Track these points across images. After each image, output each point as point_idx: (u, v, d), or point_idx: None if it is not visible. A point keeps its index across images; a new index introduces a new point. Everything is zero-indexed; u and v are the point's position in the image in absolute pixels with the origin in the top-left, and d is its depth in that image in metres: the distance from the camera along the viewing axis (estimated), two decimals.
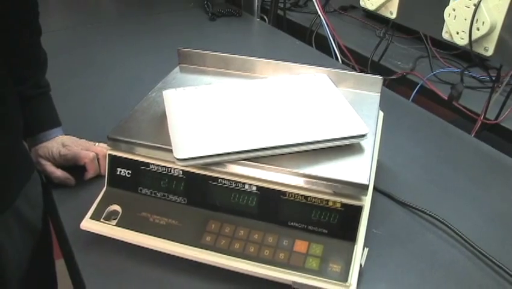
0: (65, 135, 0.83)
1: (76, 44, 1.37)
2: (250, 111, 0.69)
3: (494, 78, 1.01)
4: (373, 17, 1.58)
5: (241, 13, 1.64)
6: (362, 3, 1.09)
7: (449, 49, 1.30)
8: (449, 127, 1.00)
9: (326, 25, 1.25)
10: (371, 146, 0.65)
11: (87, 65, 1.24)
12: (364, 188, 0.59)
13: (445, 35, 0.92)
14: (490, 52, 0.86)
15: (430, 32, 0.98)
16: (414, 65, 1.28)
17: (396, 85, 1.25)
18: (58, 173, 0.78)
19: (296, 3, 1.76)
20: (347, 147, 0.64)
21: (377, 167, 0.76)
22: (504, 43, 0.83)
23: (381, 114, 0.79)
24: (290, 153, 0.62)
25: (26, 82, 0.76)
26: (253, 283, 0.61)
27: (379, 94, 0.78)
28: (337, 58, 1.29)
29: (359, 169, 0.61)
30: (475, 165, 0.90)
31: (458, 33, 0.88)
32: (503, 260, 0.67)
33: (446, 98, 1.07)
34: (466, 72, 1.21)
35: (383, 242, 0.70)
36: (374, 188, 0.77)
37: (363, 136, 0.64)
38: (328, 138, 0.63)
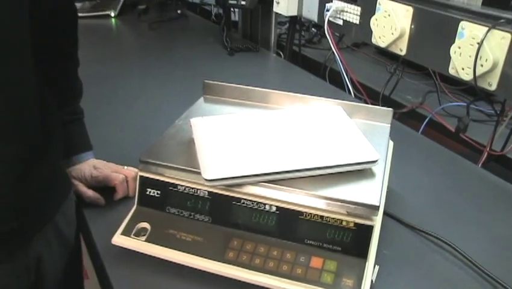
0: (96, 159, 0.90)
1: (101, 76, 1.45)
2: (271, 138, 0.75)
3: (499, 112, 1.06)
4: (384, 53, 1.65)
5: (259, 48, 1.72)
6: (374, 41, 1.16)
7: (456, 84, 1.36)
8: (456, 158, 1.06)
9: (339, 61, 1.32)
10: (381, 171, 0.70)
11: (111, 96, 1.32)
12: (375, 208, 0.64)
13: (451, 71, 0.98)
14: (493, 87, 0.92)
15: (438, 68, 1.04)
16: (423, 100, 1.34)
17: (406, 118, 1.31)
18: (90, 193, 0.84)
19: (311, 40, 1.84)
20: (359, 172, 0.70)
21: (387, 192, 0.81)
22: (507, 78, 0.89)
23: (391, 143, 0.85)
24: (308, 176, 0.68)
25: (63, 109, 0.83)
26: None
27: (389, 125, 0.84)
28: (349, 92, 1.35)
29: (370, 192, 0.66)
30: (482, 194, 0.94)
31: (463, 69, 0.94)
32: (509, 281, 0.71)
33: (454, 130, 1.12)
34: (472, 106, 1.26)
35: (393, 262, 0.75)
36: (384, 212, 0.82)
37: (374, 162, 0.70)
38: (342, 164, 0.69)
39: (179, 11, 2.16)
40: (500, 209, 0.90)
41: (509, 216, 0.88)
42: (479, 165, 1.06)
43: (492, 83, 0.92)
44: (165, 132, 0.79)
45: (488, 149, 1.05)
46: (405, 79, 1.45)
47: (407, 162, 1.02)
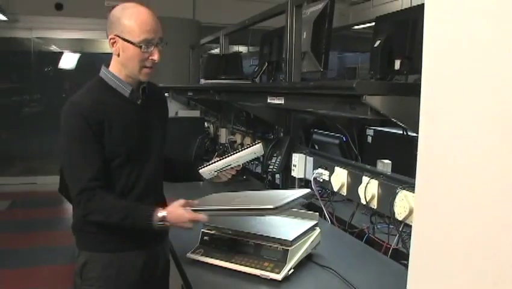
0: None
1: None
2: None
3: (390, 223, 1.99)
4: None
5: None
6: (334, 189, 2.17)
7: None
8: (369, 248, 1.97)
9: (320, 202, 2.31)
10: (297, 234, 1.68)
11: None
12: (289, 243, 1.61)
13: (361, 201, 1.96)
14: (376, 207, 1.88)
15: (358, 200, 2.01)
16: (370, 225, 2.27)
17: (361, 235, 2.23)
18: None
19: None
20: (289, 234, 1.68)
21: (313, 253, 1.76)
22: (380, 202, 1.86)
23: (318, 229, 1.81)
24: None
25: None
26: (249, 277, 1.61)
27: (317, 221, 1.82)
28: (325, 218, 2.32)
29: (290, 239, 1.63)
30: (371, 261, 1.84)
31: (362, 199, 1.92)
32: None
33: (366, 231, 2.04)
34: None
35: (303, 275, 1.67)
36: (309, 258, 1.76)
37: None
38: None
39: (244, 177, 3.30)
40: (374, 264, 1.79)
41: (382, 273, 1.76)
42: (382, 252, 1.95)
43: (375, 205, 1.88)
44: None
45: (386, 244, 1.95)
46: (365, 215, 2.40)
47: (340, 249, 1.96)
